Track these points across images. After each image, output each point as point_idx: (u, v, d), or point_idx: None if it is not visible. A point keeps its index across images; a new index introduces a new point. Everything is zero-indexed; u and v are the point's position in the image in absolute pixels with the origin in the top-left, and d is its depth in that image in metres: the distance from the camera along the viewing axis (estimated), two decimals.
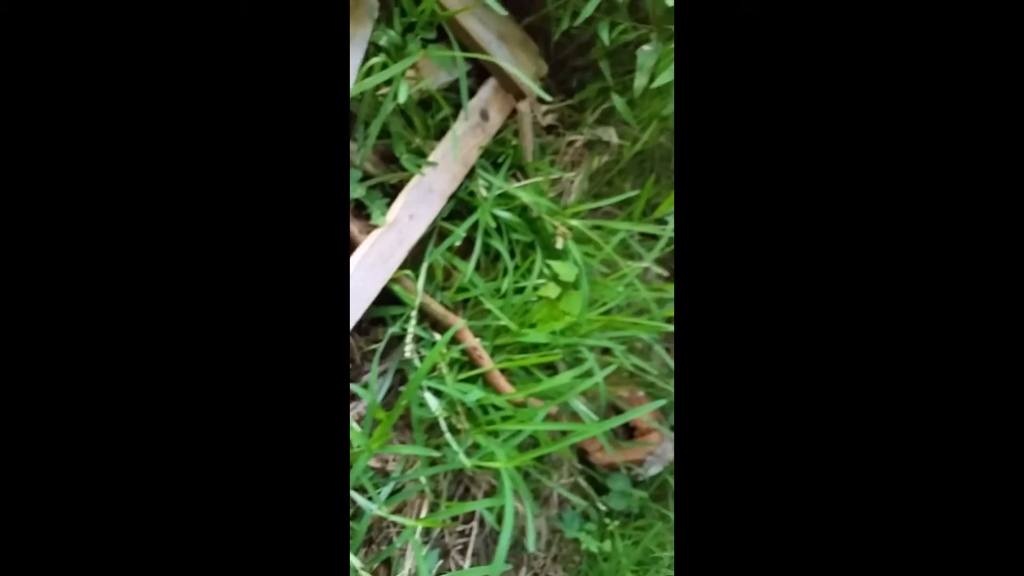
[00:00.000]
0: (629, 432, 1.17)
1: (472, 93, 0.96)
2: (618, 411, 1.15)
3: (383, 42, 0.81)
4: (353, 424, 0.74)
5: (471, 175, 0.94)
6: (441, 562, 0.87)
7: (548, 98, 0.93)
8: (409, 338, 0.83)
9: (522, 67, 1.01)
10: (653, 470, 1.15)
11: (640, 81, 0.98)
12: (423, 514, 0.82)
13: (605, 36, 0.97)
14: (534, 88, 0.84)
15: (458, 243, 0.90)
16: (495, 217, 0.94)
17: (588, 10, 0.95)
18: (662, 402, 0.87)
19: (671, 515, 1.15)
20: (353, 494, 0.71)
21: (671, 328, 0.89)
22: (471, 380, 0.86)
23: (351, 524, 0.72)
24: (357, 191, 0.81)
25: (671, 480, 1.18)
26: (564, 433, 0.84)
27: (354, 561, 0.70)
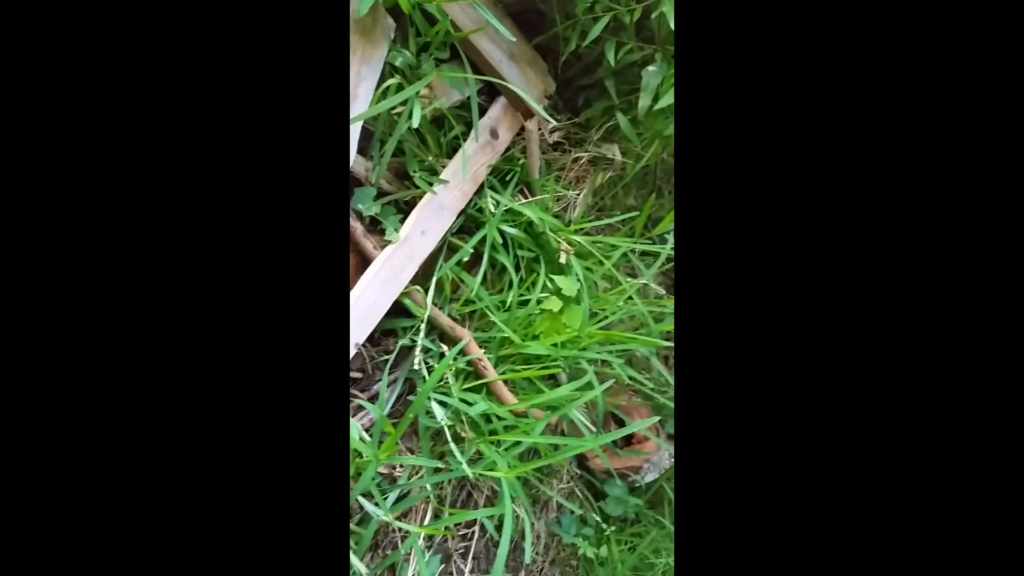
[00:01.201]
0: (627, 437, 1.20)
1: (483, 111, 0.99)
2: (616, 419, 1.18)
3: (398, 63, 0.84)
4: (363, 434, 0.77)
5: (480, 191, 0.97)
6: (443, 566, 0.91)
7: (553, 122, 0.95)
8: (418, 350, 0.86)
9: (531, 85, 1.03)
10: (649, 477, 1.18)
11: (644, 101, 1.00)
12: (427, 520, 0.85)
13: (611, 56, 0.99)
14: (540, 112, 0.87)
15: (466, 258, 0.94)
16: (502, 232, 0.97)
17: (596, 30, 0.97)
18: (656, 418, 0.90)
19: (667, 522, 1.18)
20: (361, 500, 0.74)
21: (668, 343, 0.92)
22: (475, 389, 0.89)
23: (359, 529, 0.75)
24: (372, 208, 0.84)
25: (668, 487, 1.21)
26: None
27: (360, 566, 0.73)
